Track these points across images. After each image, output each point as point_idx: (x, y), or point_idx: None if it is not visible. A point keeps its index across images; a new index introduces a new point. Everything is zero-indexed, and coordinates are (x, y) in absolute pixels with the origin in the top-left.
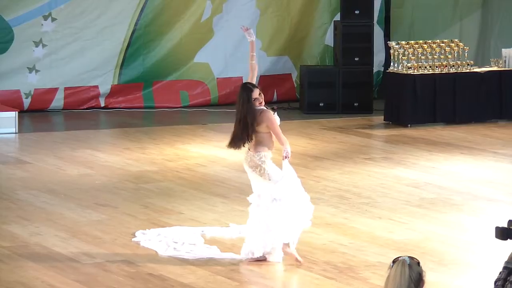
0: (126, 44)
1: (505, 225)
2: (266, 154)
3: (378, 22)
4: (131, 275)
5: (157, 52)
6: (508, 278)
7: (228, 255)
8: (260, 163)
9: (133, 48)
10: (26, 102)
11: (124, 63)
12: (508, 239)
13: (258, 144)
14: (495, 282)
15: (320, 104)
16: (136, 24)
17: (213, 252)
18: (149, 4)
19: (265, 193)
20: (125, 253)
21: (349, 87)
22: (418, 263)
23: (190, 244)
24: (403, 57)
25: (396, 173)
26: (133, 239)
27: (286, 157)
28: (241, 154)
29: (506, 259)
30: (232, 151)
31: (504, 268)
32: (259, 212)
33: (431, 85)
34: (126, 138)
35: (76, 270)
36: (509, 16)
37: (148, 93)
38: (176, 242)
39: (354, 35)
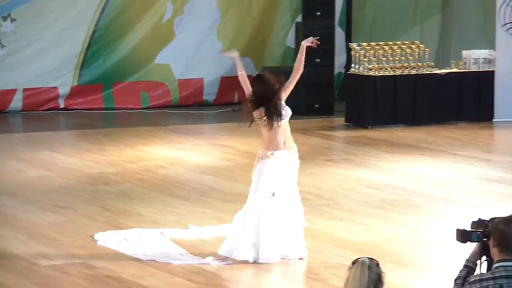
0: (86, 45)
1: (466, 227)
2: (262, 154)
3: (339, 24)
4: (90, 277)
5: (117, 53)
6: (468, 278)
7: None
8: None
9: (93, 49)
10: None
11: (84, 64)
12: (468, 242)
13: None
14: (455, 280)
15: None
16: (96, 25)
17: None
18: (109, 5)
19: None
20: (84, 255)
21: (310, 89)
22: (378, 264)
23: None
24: (364, 59)
25: (356, 175)
26: (98, 242)
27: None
28: (202, 156)
29: (467, 257)
30: (196, 150)
31: (465, 266)
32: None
33: (392, 86)
34: (86, 140)
35: (34, 273)
36: (469, 18)
37: (108, 94)
38: (147, 246)
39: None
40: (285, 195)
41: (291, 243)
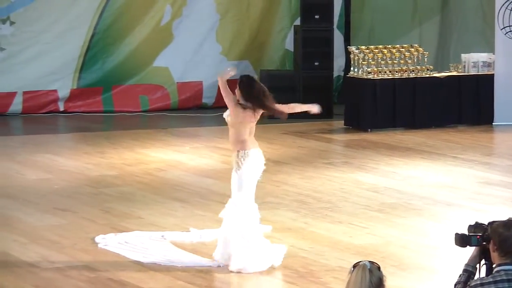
0: (85, 48)
1: (465, 231)
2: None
3: (338, 27)
4: (91, 280)
5: (116, 56)
6: (468, 282)
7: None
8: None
9: (92, 52)
10: None
11: (83, 67)
12: (467, 246)
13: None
14: (455, 285)
15: None
16: (95, 28)
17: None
18: (108, 8)
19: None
20: (85, 258)
21: (309, 92)
22: (379, 267)
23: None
24: (363, 62)
25: (356, 178)
26: (99, 245)
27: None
28: (201, 159)
29: (466, 261)
30: (195, 153)
31: (464, 271)
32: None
33: (391, 90)
34: (86, 143)
35: (35, 275)
36: (468, 21)
37: (107, 97)
38: (148, 249)
39: (314, 40)
40: (246, 199)
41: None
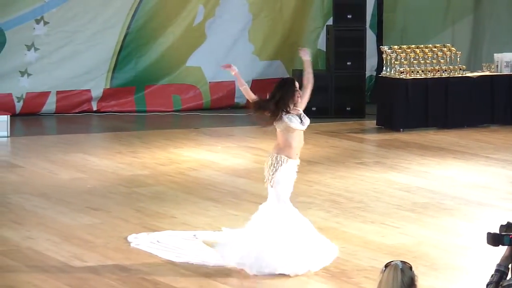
0: (118, 48)
1: (497, 231)
2: (284, 160)
3: (370, 27)
4: (123, 279)
5: (149, 56)
6: (501, 282)
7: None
8: (274, 164)
9: (125, 52)
10: (18, 106)
11: (116, 67)
12: (500, 245)
13: (277, 145)
14: (487, 285)
15: (313, 109)
16: (128, 28)
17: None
18: (141, 8)
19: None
20: (117, 257)
21: (341, 92)
22: (411, 267)
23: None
24: (395, 62)
25: (388, 178)
26: (131, 244)
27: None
28: (234, 159)
29: (498, 261)
30: (227, 152)
31: (496, 271)
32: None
33: (423, 89)
34: (118, 142)
35: (68, 274)
36: (500, 21)
37: (140, 97)
38: (181, 248)
39: (346, 40)
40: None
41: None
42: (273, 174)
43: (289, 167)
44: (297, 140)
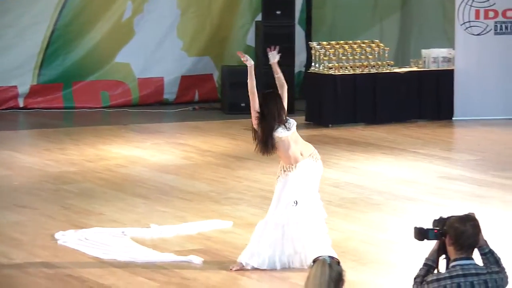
0: (45, 44)
1: (425, 225)
2: (290, 168)
3: (299, 23)
4: (51, 276)
5: (77, 52)
6: (425, 278)
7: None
8: (280, 176)
9: (53, 48)
10: None
11: (43, 63)
12: (425, 240)
13: (279, 158)
14: (415, 278)
15: (242, 104)
16: (55, 24)
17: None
18: (69, 4)
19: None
20: (45, 254)
21: (270, 87)
22: (338, 262)
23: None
24: (324, 58)
25: None
26: (59, 241)
27: None
28: (163, 155)
29: (427, 255)
30: (156, 149)
31: (424, 264)
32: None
33: (352, 85)
34: (46, 139)
35: None
36: (428, 17)
37: (68, 94)
38: (108, 245)
39: (275, 36)
40: (308, 202)
41: (315, 251)
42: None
43: (299, 171)
44: (292, 146)
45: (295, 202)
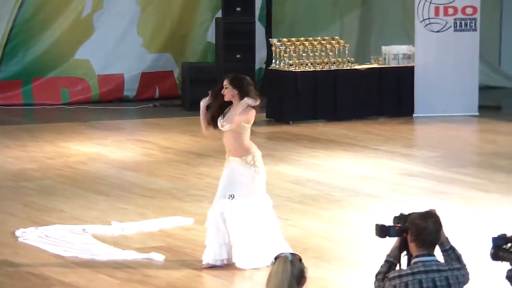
0: (4, 40)
1: (387, 222)
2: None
3: (259, 19)
4: (11, 274)
5: (36, 48)
6: (387, 274)
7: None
8: None
9: (12, 44)
10: None
11: (2, 59)
12: (387, 237)
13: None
14: (376, 275)
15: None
16: (14, 20)
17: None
18: (28, 0)
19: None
20: (5, 252)
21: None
22: (300, 259)
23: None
24: (284, 54)
25: (278, 170)
26: (19, 239)
27: None
28: (123, 152)
29: (388, 252)
30: (116, 146)
31: (386, 261)
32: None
33: (312, 82)
34: (5, 136)
35: None
36: (388, 14)
37: (27, 90)
38: (69, 242)
39: (235, 32)
40: (247, 201)
41: (268, 251)
42: None
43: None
44: (224, 140)
45: (231, 196)
